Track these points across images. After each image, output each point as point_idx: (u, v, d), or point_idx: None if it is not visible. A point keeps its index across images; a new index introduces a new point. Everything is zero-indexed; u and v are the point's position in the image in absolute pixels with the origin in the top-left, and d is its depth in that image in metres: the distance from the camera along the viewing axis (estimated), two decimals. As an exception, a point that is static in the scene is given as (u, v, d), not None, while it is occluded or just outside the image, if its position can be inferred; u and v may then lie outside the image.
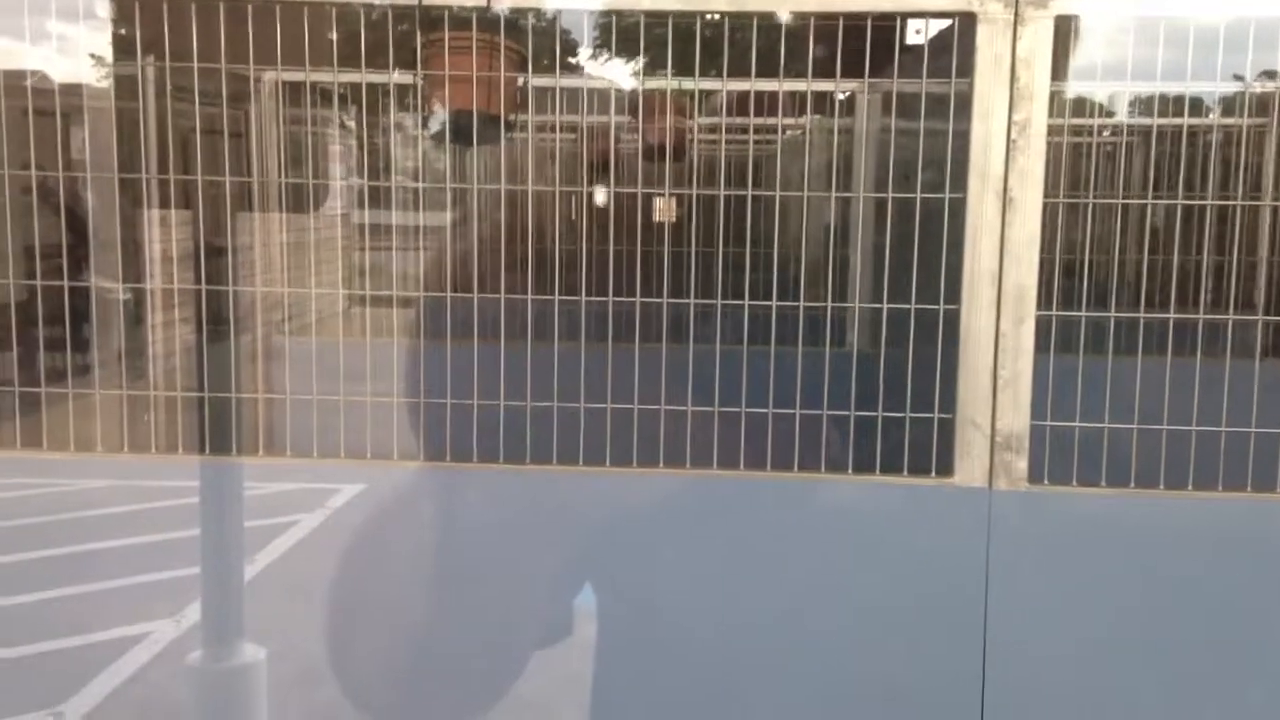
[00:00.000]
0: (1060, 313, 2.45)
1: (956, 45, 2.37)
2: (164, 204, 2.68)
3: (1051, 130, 2.36)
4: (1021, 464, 2.42)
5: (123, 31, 2.66)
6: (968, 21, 2.33)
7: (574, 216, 2.92)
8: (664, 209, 2.98)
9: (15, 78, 2.67)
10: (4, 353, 2.63)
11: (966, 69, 2.35)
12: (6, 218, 2.52)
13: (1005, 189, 2.34)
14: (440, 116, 2.64)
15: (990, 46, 2.31)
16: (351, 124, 2.89)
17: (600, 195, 2.71)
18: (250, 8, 2.43)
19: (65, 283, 2.58)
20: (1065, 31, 2.34)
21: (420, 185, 2.74)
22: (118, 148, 2.75)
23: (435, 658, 2.64)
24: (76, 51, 2.81)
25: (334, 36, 2.46)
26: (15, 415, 2.56)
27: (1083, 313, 2.49)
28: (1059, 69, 2.36)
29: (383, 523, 2.57)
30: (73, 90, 2.74)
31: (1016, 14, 2.30)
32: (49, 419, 2.59)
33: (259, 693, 2.81)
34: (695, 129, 2.96)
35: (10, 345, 2.60)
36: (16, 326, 2.60)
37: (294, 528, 4.60)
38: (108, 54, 3.00)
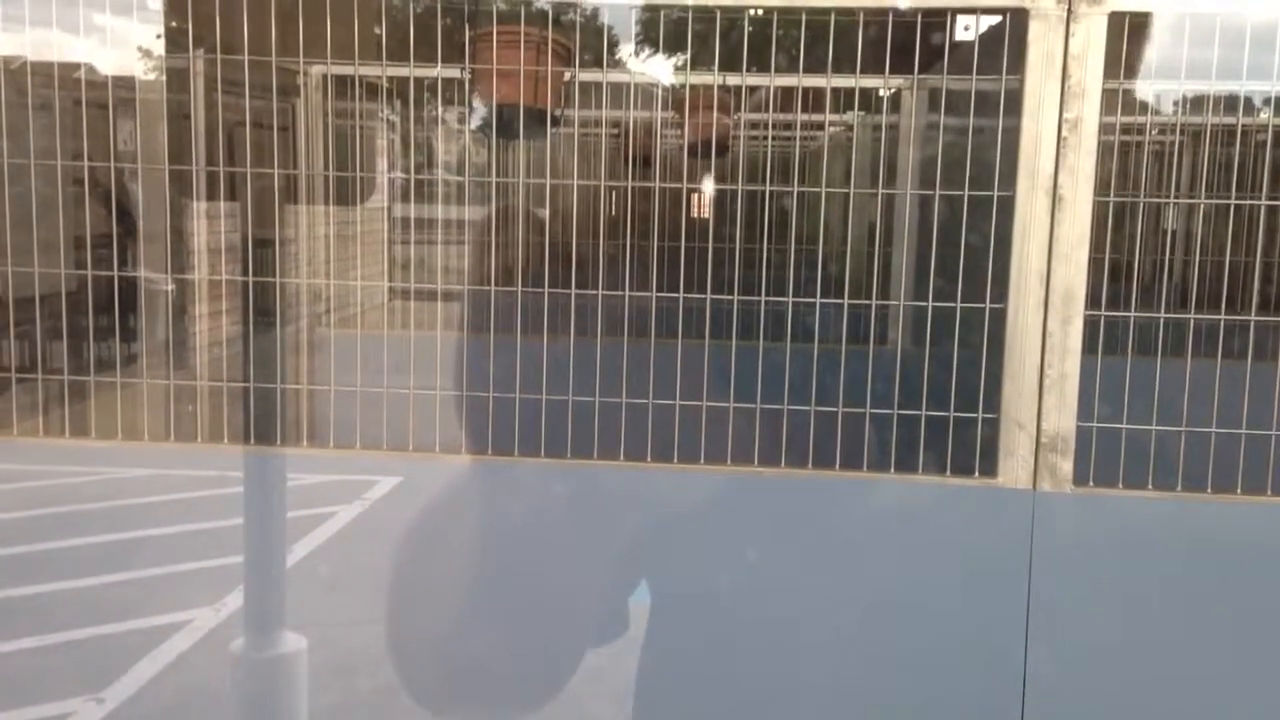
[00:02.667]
0: (1108, 313, 2.42)
1: (1007, 41, 2.34)
2: (211, 196, 2.70)
3: (1103, 129, 2.33)
4: (1066, 465, 2.39)
5: (173, 24, 2.68)
6: (1019, 17, 2.30)
7: (615, 212, 2.92)
8: (705, 204, 2.97)
9: (64, 70, 2.70)
10: (53, 342, 2.66)
11: (1017, 65, 2.32)
12: (58, 208, 2.55)
13: (1055, 187, 2.31)
14: (487, 110, 2.64)
15: (1042, 43, 2.29)
16: (397, 118, 2.91)
17: (707, 191, 2.70)
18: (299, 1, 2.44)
19: (115, 273, 2.60)
20: (1119, 28, 2.31)
21: (466, 179, 2.74)
22: (166, 140, 2.78)
23: (472, 649, 2.65)
24: (124, 44, 2.84)
25: (381, 30, 2.47)
26: (64, 403, 2.59)
27: (1131, 313, 2.46)
28: (1111, 66, 2.32)
29: (424, 515, 2.58)
30: (120, 83, 2.76)
31: (1069, 10, 2.27)
32: (96, 407, 2.61)
33: (300, 681, 2.83)
34: (741, 125, 2.95)
35: (60, 334, 2.63)
36: (65, 316, 2.63)
37: (331, 519, 4.63)
38: (154, 47, 3.03)
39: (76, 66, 2.70)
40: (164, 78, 3.01)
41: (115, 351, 2.69)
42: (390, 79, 2.68)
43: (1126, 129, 2.93)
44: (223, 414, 2.63)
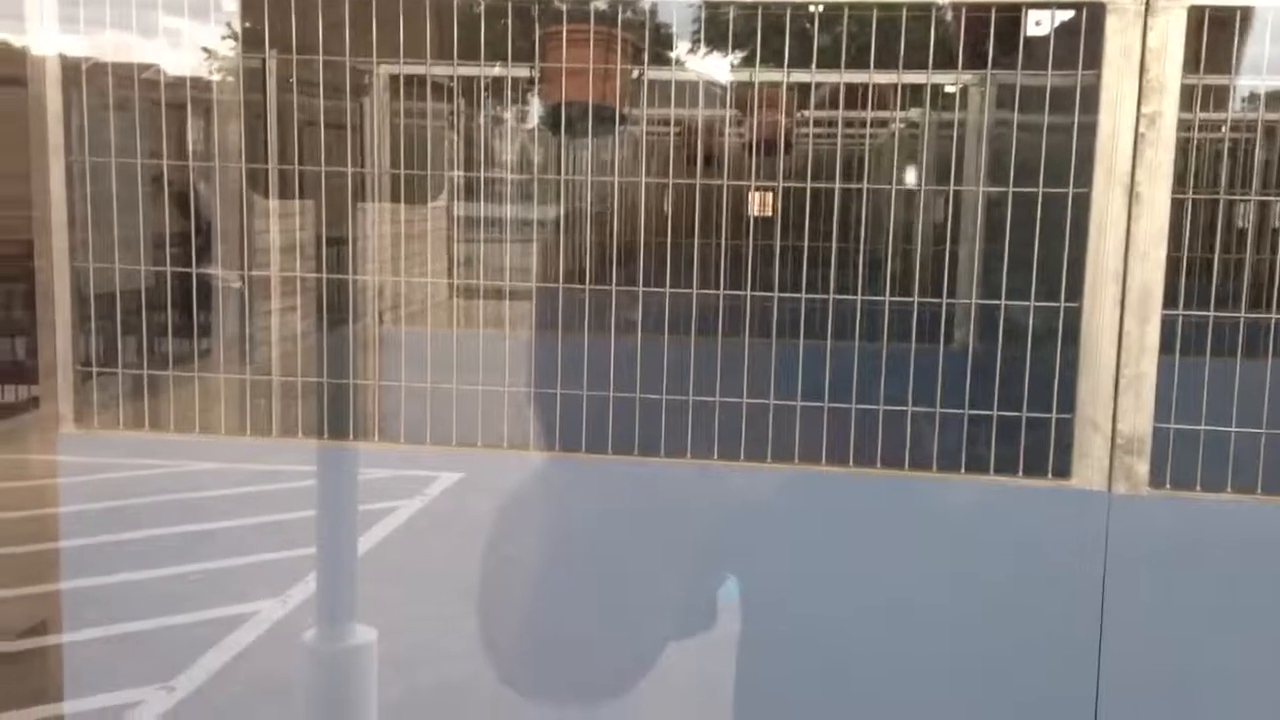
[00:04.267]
0: (1186, 312, 2.38)
1: (1083, 36, 2.31)
2: (284, 194, 2.74)
3: (1181, 124, 2.29)
4: (1143, 467, 2.35)
5: (248, 25, 2.72)
6: (1096, 12, 2.27)
7: (677, 210, 2.92)
8: (768, 203, 2.96)
9: (135, 71, 2.73)
10: (132, 337, 2.71)
11: (1093, 61, 2.28)
12: (138, 207, 2.60)
13: (1132, 184, 2.27)
14: (555, 108, 2.65)
15: (1119, 37, 2.25)
16: (464, 117, 2.93)
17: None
18: (372, 3, 2.47)
19: (193, 270, 2.65)
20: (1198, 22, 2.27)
21: (535, 178, 2.75)
22: (235, 139, 2.82)
23: (544, 643, 2.67)
24: (194, 46, 2.88)
25: (452, 29, 2.49)
26: (144, 397, 2.64)
27: (1210, 312, 2.41)
28: (1190, 61, 2.28)
29: (492, 510, 2.60)
30: (193, 84, 2.81)
31: (1147, 4, 2.23)
32: (173, 401, 2.66)
33: (369, 672, 2.87)
34: (809, 121, 2.94)
35: (138, 330, 2.68)
36: (144, 312, 2.68)
37: (393, 514, 4.68)
38: (224, 48, 3.07)
39: (152, 68, 2.75)
40: (234, 79, 3.06)
41: (193, 347, 2.73)
42: (458, 78, 2.70)
43: (1204, 125, 2.87)
44: (296, 409, 2.66)
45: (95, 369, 2.64)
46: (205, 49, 3.06)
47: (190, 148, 2.75)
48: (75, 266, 2.62)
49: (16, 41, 2.68)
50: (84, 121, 2.59)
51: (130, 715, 3.59)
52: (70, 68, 2.59)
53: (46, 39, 2.58)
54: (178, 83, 2.71)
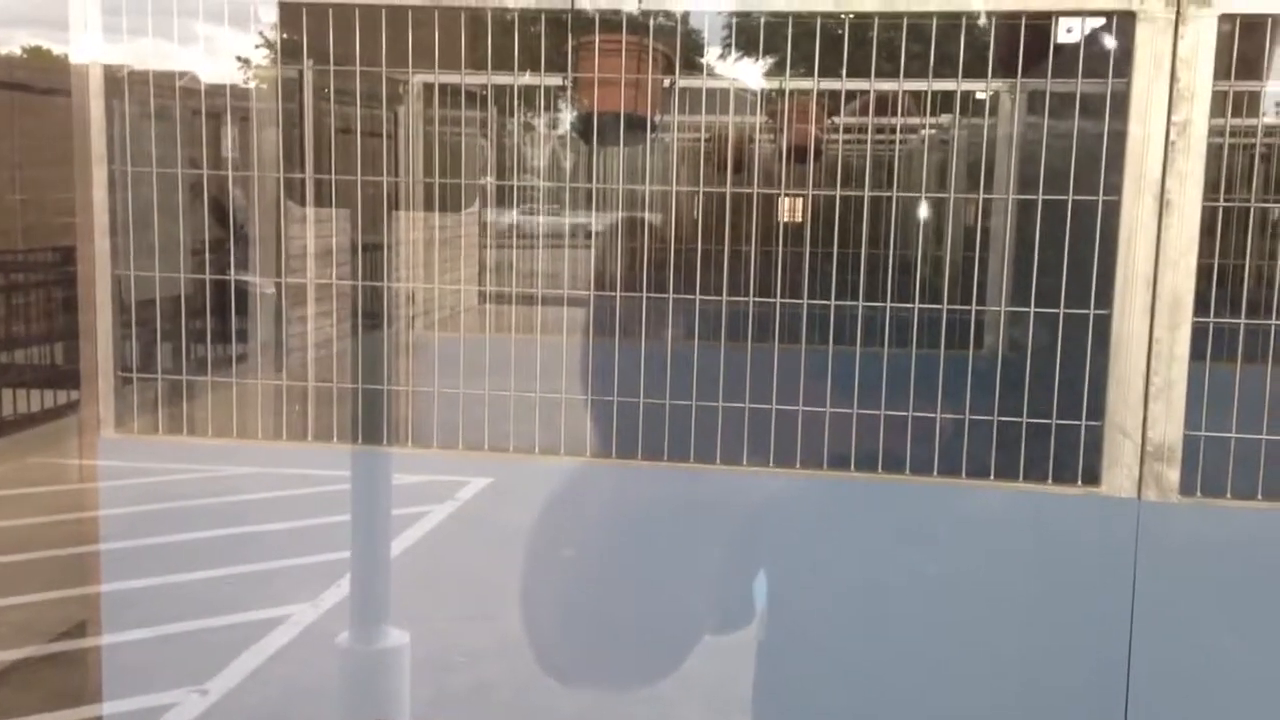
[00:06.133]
0: (1218, 319, 2.37)
1: (1114, 44, 2.32)
2: (319, 202, 2.78)
3: (1212, 131, 2.29)
4: (1173, 475, 2.35)
5: (285, 35, 2.77)
6: (1126, 20, 2.27)
7: (706, 217, 2.94)
8: (797, 209, 2.97)
9: (170, 79, 2.77)
10: (170, 343, 2.76)
11: (1123, 68, 2.29)
12: (177, 215, 2.65)
13: (1162, 191, 2.27)
14: (588, 118, 2.68)
15: (1150, 45, 2.25)
16: (498, 126, 2.96)
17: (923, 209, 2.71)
18: (409, 13, 2.51)
19: (232, 277, 2.69)
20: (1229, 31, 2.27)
21: (567, 186, 2.78)
22: (271, 147, 2.86)
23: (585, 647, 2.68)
24: (232, 55, 2.93)
25: (488, 40, 2.52)
26: (182, 402, 2.68)
27: (1241, 320, 2.40)
28: (1221, 69, 2.28)
29: (527, 515, 2.62)
30: (231, 93, 2.85)
31: (1178, 13, 2.23)
32: (212, 406, 2.70)
33: (403, 674, 2.90)
34: (840, 129, 2.95)
35: (177, 336, 2.72)
36: (182, 318, 2.72)
37: (426, 517, 4.73)
38: (261, 58, 3.13)
39: (189, 76, 2.79)
40: (270, 88, 3.11)
41: (230, 353, 2.78)
42: (491, 88, 2.73)
43: (1236, 131, 2.87)
44: (330, 414, 2.70)
45: (135, 374, 2.68)
46: (243, 58, 3.12)
47: (228, 156, 2.80)
48: (116, 273, 2.66)
49: (59, 50, 2.74)
50: (124, 130, 2.63)
51: (165, 718, 3.63)
52: (112, 77, 2.64)
53: (89, 48, 2.63)
54: (216, 91, 2.76)
